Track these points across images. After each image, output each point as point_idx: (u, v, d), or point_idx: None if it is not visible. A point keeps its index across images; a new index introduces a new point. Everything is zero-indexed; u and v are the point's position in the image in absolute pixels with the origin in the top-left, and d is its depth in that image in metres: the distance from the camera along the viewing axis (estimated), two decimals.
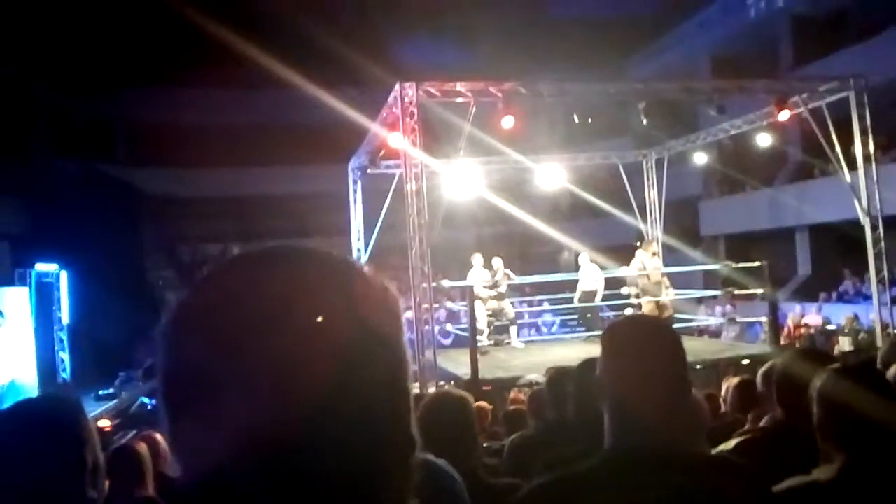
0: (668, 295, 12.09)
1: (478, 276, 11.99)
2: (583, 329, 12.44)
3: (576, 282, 12.72)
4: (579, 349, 11.55)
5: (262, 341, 0.66)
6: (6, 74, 17.51)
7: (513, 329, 12.37)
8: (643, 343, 1.61)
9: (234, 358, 0.66)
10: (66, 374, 13.72)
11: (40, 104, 19.82)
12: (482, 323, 11.65)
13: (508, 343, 12.19)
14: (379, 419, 0.70)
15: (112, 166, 22.11)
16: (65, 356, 13.69)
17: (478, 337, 10.49)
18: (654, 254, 12.44)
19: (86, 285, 14.58)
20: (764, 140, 13.31)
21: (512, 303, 13.11)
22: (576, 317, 13.19)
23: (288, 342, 0.66)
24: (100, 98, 21.36)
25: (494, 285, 11.93)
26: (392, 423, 0.73)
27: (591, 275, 12.41)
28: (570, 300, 12.63)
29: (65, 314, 13.86)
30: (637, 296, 11.96)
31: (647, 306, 11.67)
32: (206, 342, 0.67)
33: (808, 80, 12.70)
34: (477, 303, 11.30)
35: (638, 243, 15.22)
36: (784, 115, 11.37)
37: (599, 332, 11.37)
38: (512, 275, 12.19)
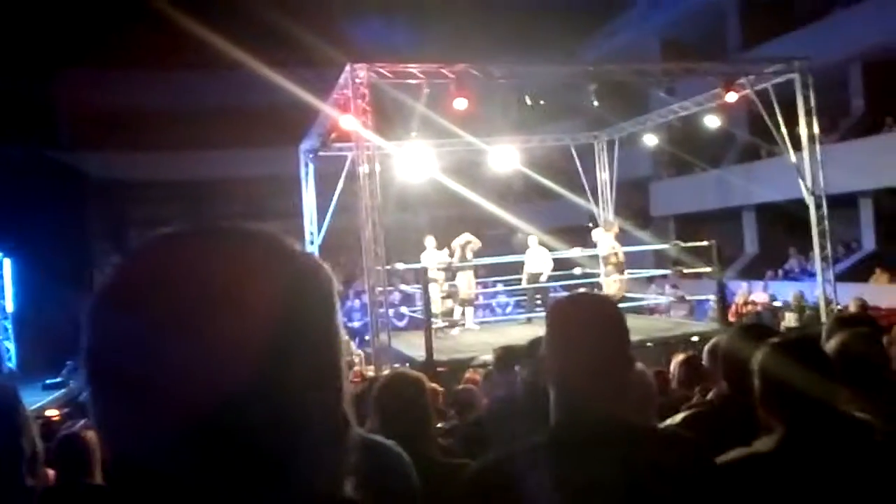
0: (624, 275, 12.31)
1: (432, 258, 11.99)
2: (536, 310, 12.54)
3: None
4: (533, 330, 11.66)
5: (186, 319, 0.65)
6: None
7: (468, 310, 12.40)
8: (585, 319, 1.63)
9: (158, 336, 0.65)
10: (11, 364, 13.39)
11: None
12: (437, 305, 11.67)
13: (463, 325, 12.22)
14: (308, 398, 0.69)
15: (55, 150, 21.50)
16: (10, 345, 13.36)
17: (433, 319, 10.53)
18: (616, 234, 12.60)
19: (30, 272, 14.23)
20: (712, 122, 13.51)
21: (478, 283, 13.15)
22: (528, 297, 13.31)
23: (213, 321, 0.65)
24: (41, 79, 20.70)
25: (448, 267, 11.93)
26: (322, 401, 0.72)
27: (538, 257, 12.50)
28: (537, 278, 12.70)
29: (9, 302, 13.52)
30: (600, 275, 12.16)
31: (613, 286, 11.85)
32: (131, 320, 0.66)
33: (754, 63, 12.93)
34: (432, 285, 11.33)
35: (591, 224, 15.40)
36: (731, 97, 11.56)
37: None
38: (469, 253, 12.13)
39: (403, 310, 13.91)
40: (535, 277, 12.43)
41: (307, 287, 0.72)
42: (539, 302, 12.39)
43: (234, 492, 0.66)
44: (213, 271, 0.68)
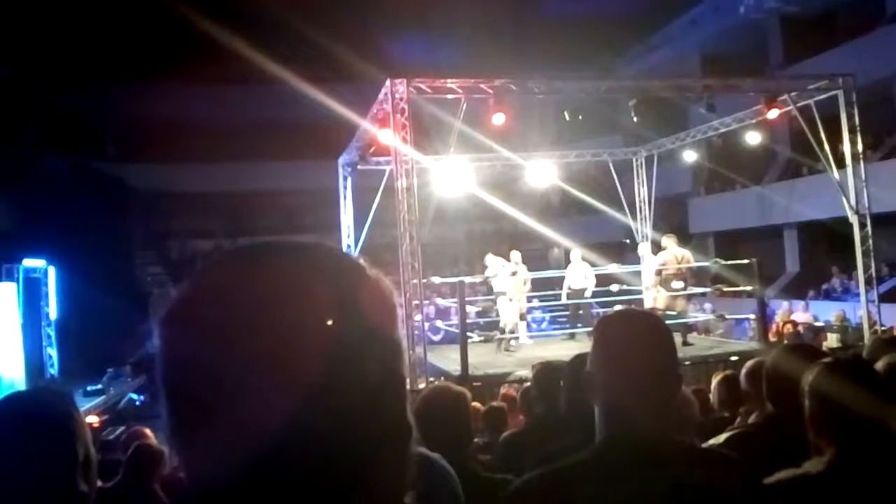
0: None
1: (500, 270, 11.87)
2: (577, 326, 12.42)
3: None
4: (569, 346, 11.57)
5: (257, 334, 0.66)
6: None
7: (521, 324, 12.30)
8: (635, 336, 1.61)
9: (229, 351, 0.66)
10: (53, 370, 13.63)
11: (29, 100, 19.69)
12: (507, 317, 11.61)
13: (517, 339, 12.08)
14: (375, 408, 0.71)
15: (101, 162, 21.99)
16: (52, 352, 13.61)
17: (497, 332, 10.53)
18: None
19: (74, 281, 14.50)
20: (753, 138, 13.34)
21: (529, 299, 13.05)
22: (566, 314, 13.20)
23: (282, 335, 0.67)
24: (88, 94, 21.22)
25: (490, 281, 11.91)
26: (388, 411, 0.73)
27: (581, 272, 12.39)
28: (559, 297, 12.61)
29: (52, 310, 13.77)
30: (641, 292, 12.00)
31: (664, 301, 11.60)
32: (203, 335, 0.68)
33: (797, 79, 12.76)
34: (502, 298, 11.32)
35: (628, 241, 15.26)
36: (773, 114, 11.42)
37: (588, 329, 11.44)
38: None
39: (439, 323, 13.88)
40: (577, 293, 12.29)
41: (373, 298, 0.73)
42: (579, 319, 12.28)
43: (295, 490, 0.67)
44: (282, 286, 0.69)
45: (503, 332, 11.61)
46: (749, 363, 3.28)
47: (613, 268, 12.88)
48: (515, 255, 12.07)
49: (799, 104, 11.47)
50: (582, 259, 12.52)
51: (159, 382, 0.71)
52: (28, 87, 19.27)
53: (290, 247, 0.76)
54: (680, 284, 11.51)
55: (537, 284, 13.32)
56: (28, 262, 13.07)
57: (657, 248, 12.51)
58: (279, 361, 0.66)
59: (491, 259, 12.14)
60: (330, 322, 0.69)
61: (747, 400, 3.30)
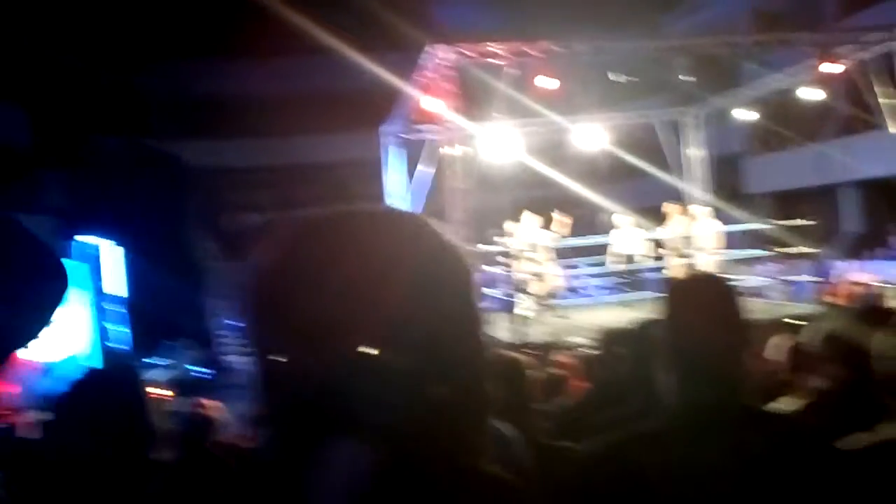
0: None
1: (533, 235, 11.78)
2: (625, 291, 12.30)
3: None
4: (620, 312, 11.48)
5: (339, 298, 0.69)
6: (46, 53, 17.74)
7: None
8: (704, 301, 1.61)
9: (313, 314, 0.68)
10: (122, 346, 13.99)
11: (83, 81, 20.05)
12: (535, 286, 11.54)
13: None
14: (451, 370, 0.72)
15: (154, 139, 22.36)
16: (119, 328, 13.96)
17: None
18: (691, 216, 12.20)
19: (133, 258, 14.82)
20: (808, 94, 12.94)
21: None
22: (615, 279, 13.06)
23: (366, 300, 0.69)
24: (139, 73, 21.55)
25: (533, 247, 11.78)
26: (465, 374, 0.74)
27: (628, 237, 12.21)
28: (629, 259, 12.40)
29: (116, 287, 14.12)
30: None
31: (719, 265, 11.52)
32: (289, 297, 0.70)
33: (853, 31, 12.31)
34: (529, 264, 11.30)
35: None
36: (829, 69, 11.05)
37: (639, 294, 11.33)
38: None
39: (487, 291, 13.83)
40: (627, 259, 12.14)
41: (452, 267, 0.76)
42: (630, 284, 12.15)
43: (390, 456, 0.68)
44: (365, 252, 0.71)
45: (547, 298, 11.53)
46: (820, 325, 3.21)
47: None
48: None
49: (855, 58, 11.07)
50: (628, 223, 12.32)
51: (250, 342, 0.74)
52: (80, 68, 19.60)
53: (369, 214, 0.78)
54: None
55: (587, 250, 13.21)
56: (92, 240, 13.39)
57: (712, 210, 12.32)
58: (362, 326, 0.67)
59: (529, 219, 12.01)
60: (418, 287, 0.70)
61: (818, 364, 3.24)
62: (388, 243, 0.73)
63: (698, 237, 12.07)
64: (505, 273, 11.09)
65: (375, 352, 0.67)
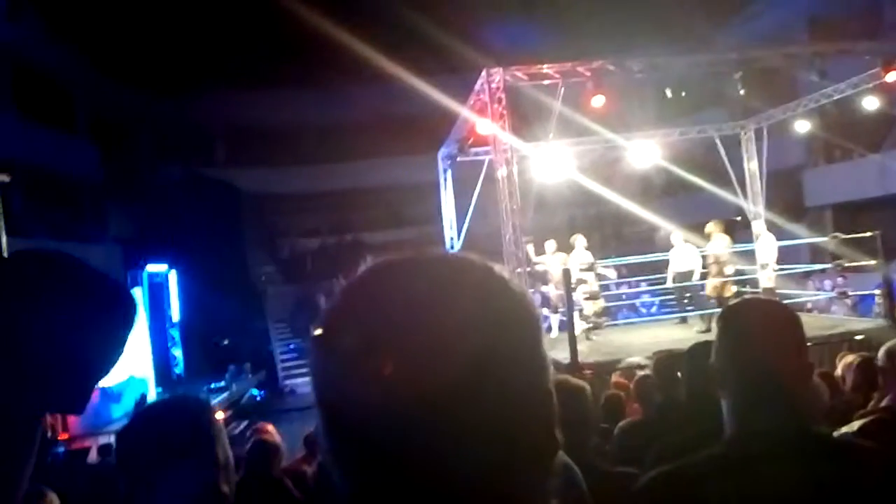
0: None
1: (577, 258, 11.82)
2: (687, 310, 12.10)
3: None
4: (679, 331, 11.30)
5: (402, 353, 0.68)
6: (108, 85, 18.40)
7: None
8: (763, 326, 1.57)
9: (374, 370, 0.67)
10: (178, 369, 14.34)
11: (141, 112, 20.74)
12: (588, 307, 11.52)
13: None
14: (520, 421, 0.71)
15: (211, 168, 22.95)
16: (177, 352, 14.31)
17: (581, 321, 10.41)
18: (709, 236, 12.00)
19: (193, 284, 15.20)
20: (870, 103, 12.60)
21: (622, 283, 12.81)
22: (674, 297, 12.87)
23: (428, 352, 0.68)
24: (196, 102, 22.15)
25: (590, 268, 11.73)
26: (534, 426, 0.73)
27: (684, 254, 12.04)
28: (686, 277, 12.22)
29: (175, 311, 14.47)
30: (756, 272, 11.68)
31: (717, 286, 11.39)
32: (348, 355, 0.69)
33: None
34: (581, 286, 11.28)
35: (739, 218, 14.71)
36: (892, 77, 10.77)
37: (699, 312, 11.14)
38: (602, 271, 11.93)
39: (545, 312, 13.78)
40: (683, 276, 11.96)
41: (518, 312, 0.74)
42: (689, 302, 11.96)
43: None
44: (429, 303, 0.71)
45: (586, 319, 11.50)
46: (889, 343, 3.11)
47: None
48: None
49: None
50: (685, 241, 12.15)
51: (313, 393, 0.74)
52: (142, 100, 20.28)
53: (434, 261, 0.77)
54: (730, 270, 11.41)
55: (645, 268, 13.06)
56: (151, 268, 13.77)
57: (769, 224, 12.05)
58: (424, 379, 0.67)
59: (579, 243, 12.01)
60: (478, 335, 0.69)
61: (886, 382, 3.14)
62: (461, 293, 0.72)
63: (759, 253, 11.83)
64: (560, 293, 11.03)
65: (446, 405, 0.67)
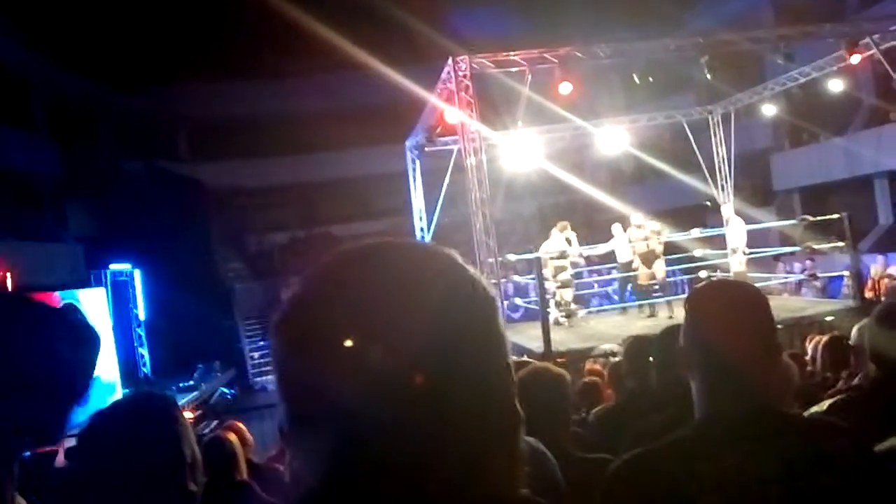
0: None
1: (550, 246, 11.77)
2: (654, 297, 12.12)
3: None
4: (652, 318, 11.34)
5: (371, 330, 0.70)
6: (66, 78, 18.03)
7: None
8: (730, 308, 1.56)
9: (336, 359, 0.69)
10: (146, 369, 14.14)
11: (103, 107, 20.35)
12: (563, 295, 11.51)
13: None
14: (485, 404, 0.73)
15: (175, 163, 22.63)
16: (144, 352, 14.11)
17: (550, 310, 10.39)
18: (638, 226, 12.02)
19: (159, 281, 14.99)
20: (835, 86, 12.75)
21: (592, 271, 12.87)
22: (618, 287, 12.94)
23: (391, 338, 0.70)
24: (158, 96, 21.80)
25: (561, 256, 11.70)
26: (498, 404, 0.75)
27: (626, 244, 12.05)
28: (629, 267, 12.24)
29: (140, 311, 14.26)
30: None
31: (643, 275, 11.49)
32: (310, 343, 0.71)
33: (878, 20, 12.09)
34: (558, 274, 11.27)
35: (709, 203, 14.79)
36: (856, 59, 10.91)
37: (648, 302, 11.22)
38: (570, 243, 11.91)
39: (518, 301, 13.76)
40: (626, 266, 11.99)
41: (475, 296, 0.77)
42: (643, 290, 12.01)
43: (411, 489, 0.70)
44: (389, 290, 0.73)
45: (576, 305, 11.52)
46: (862, 322, 3.11)
47: (695, 232, 12.50)
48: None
49: (882, 46, 10.87)
50: (637, 227, 12.12)
51: (277, 384, 0.76)
52: (102, 94, 19.89)
53: (391, 248, 0.79)
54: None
55: (612, 256, 13.08)
56: (114, 266, 13.55)
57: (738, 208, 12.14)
58: (388, 367, 0.69)
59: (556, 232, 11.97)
60: (438, 317, 0.71)
61: (857, 361, 3.13)
62: (418, 276, 0.75)
63: (729, 237, 11.90)
64: (533, 281, 11.01)
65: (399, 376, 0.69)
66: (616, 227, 12.18)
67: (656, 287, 11.67)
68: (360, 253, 0.78)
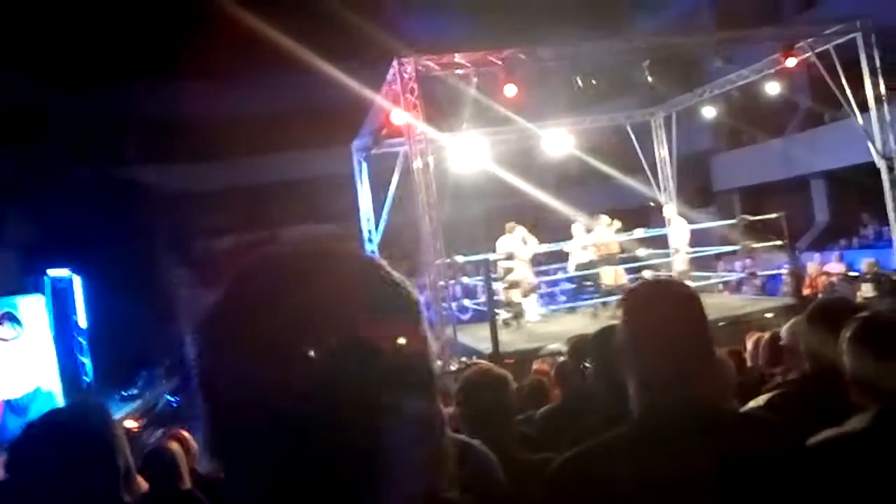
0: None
1: (501, 247, 11.87)
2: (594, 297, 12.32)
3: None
4: (600, 317, 11.50)
5: (294, 338, 0.70)
6: (13, 78, 17.49)
7: (530, 300, 12.23)
8: (664, 305, 1.60)
9: (259, 360, 0.69)
10: (88, 378, 13.77)
11: (46, 109, 19.77)
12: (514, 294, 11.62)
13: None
14: (401, 399, 0.72)
15: (120, 167, 22.11)
16: (85, 360, 13.74)
17: (498, 311, 10.47)
18: (608, 225, 12.31)
19: (101, 288, 14.60)
20: (772, 89, 13.10)
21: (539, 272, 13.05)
22: (575, 287, 13.12)
23: (309, 341, 0.70)
24: (102, 97, 21.27)
25: (509, 257, 11.79)
26: (415, 406, 0.74)
27: (587, 245, 12.25)
28: (587, 267, 12.44)
29: (81, 318, 13.89)
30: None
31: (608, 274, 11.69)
32: (233, 345, 0.72)
33: (813, 24, 12.47)
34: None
35: (653, 203, 15.05)
36: (791, 62, 11.21)
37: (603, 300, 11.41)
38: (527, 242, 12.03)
39: (466, 302, 13.82)
40: (583, 267, 12.20)
41: (396, 298, 0.77)
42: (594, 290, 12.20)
43: (330, 493, 0.70)
44: (310, 294, 0.72)
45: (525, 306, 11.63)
46: (791, 321, 3.21)
47: (639, 233, 12.72)
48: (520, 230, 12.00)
49: (817, 50, 11.21)
50: (581, 230, 12.35)
51: (198, 390, 0.75)
52: (44, 95, 19.33)
53: (312, 254, 0.79)
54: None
55: (565, 256, 13.24)
56: (54, 273, 13.17)
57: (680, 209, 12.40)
58: (320, 362, 0.69)
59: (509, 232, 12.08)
60: (359, 323, 0.71)
61: (788, 358, 3.23)
62: (337, 281, 0.74)
63: (671, 237, 12.15)
64: (481, 283, 11.08)
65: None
66: (577, 227, 12.32)
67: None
68: (281, 257, 0.79)
